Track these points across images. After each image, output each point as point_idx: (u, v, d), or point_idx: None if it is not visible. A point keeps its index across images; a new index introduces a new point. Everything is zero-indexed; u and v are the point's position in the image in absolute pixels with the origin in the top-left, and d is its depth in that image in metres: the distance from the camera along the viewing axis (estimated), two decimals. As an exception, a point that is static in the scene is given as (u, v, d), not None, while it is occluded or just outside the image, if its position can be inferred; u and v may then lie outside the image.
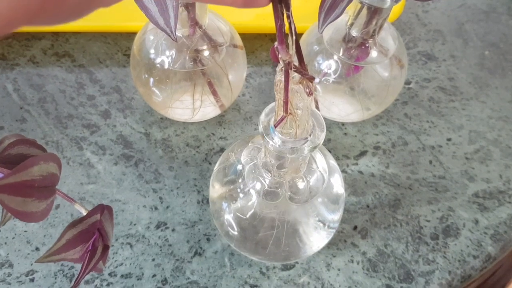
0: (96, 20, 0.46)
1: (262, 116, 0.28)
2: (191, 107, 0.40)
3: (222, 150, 0.41)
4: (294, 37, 0.22)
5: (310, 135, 0.27)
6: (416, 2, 0.53)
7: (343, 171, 0.40)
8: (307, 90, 0.24)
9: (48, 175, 0.24)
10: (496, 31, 0.52)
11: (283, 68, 0.23)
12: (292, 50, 0.22)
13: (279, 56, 0.22)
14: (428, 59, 0.48)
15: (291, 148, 0.27)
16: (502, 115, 0.45)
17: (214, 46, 0.38)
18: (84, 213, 0.25)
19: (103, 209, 0.26)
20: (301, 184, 0.32)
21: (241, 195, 0.33)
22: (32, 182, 0.22)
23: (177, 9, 0.28)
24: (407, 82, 0.46)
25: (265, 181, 0.31)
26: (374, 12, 0.35)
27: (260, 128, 0.27)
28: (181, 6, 0.34)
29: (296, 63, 0.23)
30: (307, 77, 0.24)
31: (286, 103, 0.24)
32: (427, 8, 0.53)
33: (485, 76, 0.48)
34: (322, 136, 0.27)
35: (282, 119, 0.25)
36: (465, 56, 0.49)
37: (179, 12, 0.32)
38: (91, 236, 0.25)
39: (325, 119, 0.43)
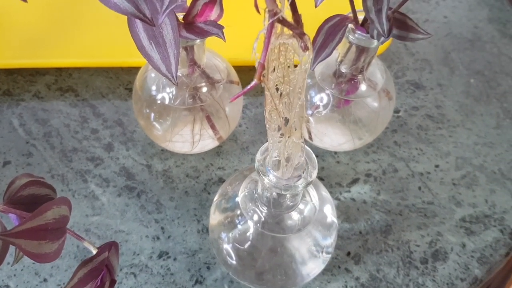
0: (98, 56, 0.48)
1: (258, 155, 0.30)
2: (190, 140, 0.42)
3: (220, 180, 0.43)
4: None
5: (303, 172, 0.29)
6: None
7: (336, 198, 0.42)
8: (302, 45, 0.21)
9: (60, 217, 0.25)
10: (481, 59, 0.54)
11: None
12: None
13: (267, 5, 0.18)
14: (416, 88, 0.51)
15: (285, 184, 0.29)
16: (487, 141, 0.47)
17: (212, 83, 0.40)
18: (93, 251, 0.27)
19: (111, 246, 0.28)
20: (295, 215, 0.34)
21: (239, 226, 0.35)
22: (46, 226, 0.24)
23: (177, 57, 0.30)
24: (396, 111, 0.49)
25: (262, 213, 0.33)
26: (362, 50, 0.37)
27: (256, 165, 0.29)
28: (181, 48, 0.36)
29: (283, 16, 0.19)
30: (297, 33, 0.20)
31: (261, 66, 0.20)
32: (414, 38, 0.55)
33: (471, 103, 0.50)
34: (314, 173, 0.29)
35: (252, 87, 0.21)
36: (451, 84, 0.51)
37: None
38: (100, 273, 0.27)
39: (318, 148, 0.46)
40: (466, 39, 0.56)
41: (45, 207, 0.24)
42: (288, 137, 0.27)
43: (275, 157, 0.28)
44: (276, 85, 0.24)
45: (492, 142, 0.47)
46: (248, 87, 0.21)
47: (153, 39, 0.30)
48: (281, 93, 0.24)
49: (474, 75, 0.52)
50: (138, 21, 0.28)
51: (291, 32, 0.20)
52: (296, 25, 0.20)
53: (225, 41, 0.32)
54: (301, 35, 0.20)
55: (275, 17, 0.18)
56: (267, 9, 0.18)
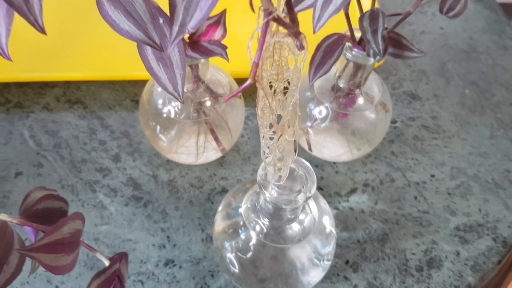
0: (105, 70, 0.50)
1: (260, 170, 0.31)
2: (194, 152, 0.43)
3: (223, 189, 0.45)
4: None
5: (303, 187, 0.31)
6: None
7: (335, 208, 0.44)
8: (298, 44, 0.20)
9: (75, 231, 0.27)
10: (476, 70, 0.56)
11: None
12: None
13: (262, 4, 0.18)
14: (412, 99, 0.52)
15: (286, 199, 0.31)
16: (481, 151, 0.49)
17: (215, 97, 0.42)
18: (106, 262, 0.29)
19: (122, 257, 0.30)
20: (296, 227, 0.35)
21: (242, 236, 0.36)
22: (62, 240, 0.26)
23: (184, 77, 0.32)
24: (393, 121, 0.50)
25: (263, 225, 0.35)
26: (359, 67, 0.39)
27: (258, 179, 0.31)
28: (186, 66, 0.38)
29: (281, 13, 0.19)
30: (292, 32, 0.20)
31: (256, 65, 0.20)
32: (411, 50, 0.57)
33: (466, 114, 0.51)
34: (313, 188, 0.31)
35: (246, 87, 0.22)
36: (447, 95, 0.53)
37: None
38: (112, 283, 0.29)
39: (317, 158, 0.47)
40: (462, 50, 0.57)
41: (61, 223, 0.26)
42: (281, 135, 0.27)
43: (267, 154, 0.29)
44: (270, 82, 0.24)
45: (486, 152, 0.49)
46: (243, 86, 0.22)
47: (161, 60, 0.32)
48: (274, 91, 0.24)
49: (469, 85, 0.54)
50: (147, 45, 0.29)
51: (286, 31, 0.20)
52: (292, 24, 0.20)
53: (228, 61, 0.34)
54: (296, 34, 0.20)
55: (270, 16, 0.18)
56: (262, 8, 0.18)
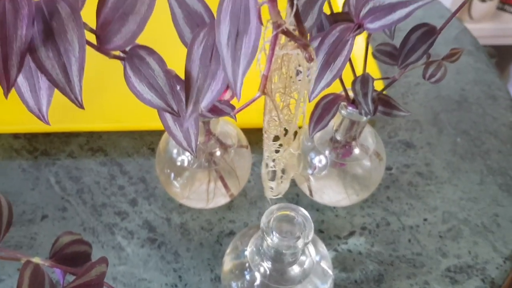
0: (125, 121, 0.55)
1: (264, 218, 0.35)
2: (205, 197, 0.47)
3: (231, 232, 0.49)
4: None
5: (301, 233, 0.35)
6: (397, 97, 0.61)
7: (334, 249, 0.47)
8: (307, 56, 0.21)
9: (100, 273, 0.31)
10: (467, 120, 0.60)
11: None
12: (288, 10, 0.18)
13: (271, 17, 0.17)
14: (407, 147, 0.56)
15: (286, 245, 0.34)
16: (472, 196, 0.52)
17: (225, 148, 0.46)
18: (126, 301, 0.33)
19: (140, 297, 0.34)
20: (296, 269, 0.39)
21: (247, 277, 0.40)
22: (90, 282, 0.30)
23: (197, 135, 0.37)
24: (389, 168, 0.54)
25: (267, 267, 0.38)
26: (354, 122, 0.43)
27: (262, 227, 0.35)
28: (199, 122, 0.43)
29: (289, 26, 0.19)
30: (301, 44, 0.20)
31: (265, 78, 0.21)
32: (406, 100, 0.61)
33: (457, 161, 0.55)
34: (311, 235, 0.35)
35: (256, 99, 0.22)
36: (439, 143, 0.57)
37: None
38: (131, 320, 0.32)
39: (318, 203, 0.51)
40: (454, 100, 0.62)
41: (90, 266, 0.30)
42: (286, 148, 0.28)
43: (271, 167, 0.30)
44: (277, 95, 0.25)
45: (475, 197, 0.52)
46: (253, 99, 0.23)
47: (177, 121, 0.36)
48: (281, 104, 0.26)
49: (460, 134, 0.58)
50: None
51: (295, 43, 0.20)
52: (301, 36, 0.20)
53: (236, 121, 0.38)
54: (305, 46, 0.20)
55: (279, 29, 0.18)
56: (271, 21, 0.18)
